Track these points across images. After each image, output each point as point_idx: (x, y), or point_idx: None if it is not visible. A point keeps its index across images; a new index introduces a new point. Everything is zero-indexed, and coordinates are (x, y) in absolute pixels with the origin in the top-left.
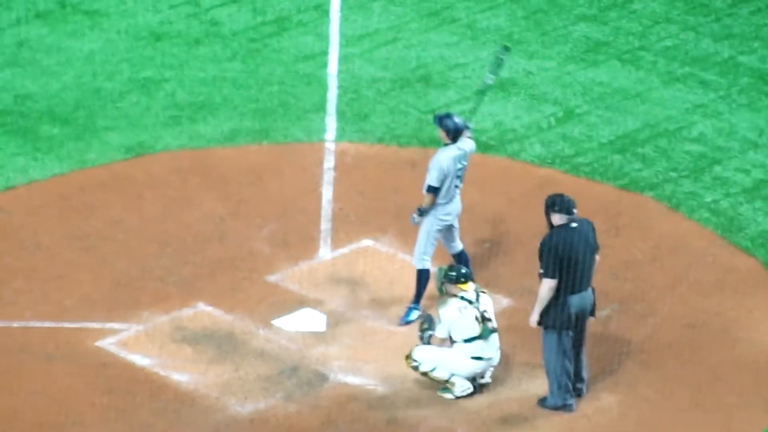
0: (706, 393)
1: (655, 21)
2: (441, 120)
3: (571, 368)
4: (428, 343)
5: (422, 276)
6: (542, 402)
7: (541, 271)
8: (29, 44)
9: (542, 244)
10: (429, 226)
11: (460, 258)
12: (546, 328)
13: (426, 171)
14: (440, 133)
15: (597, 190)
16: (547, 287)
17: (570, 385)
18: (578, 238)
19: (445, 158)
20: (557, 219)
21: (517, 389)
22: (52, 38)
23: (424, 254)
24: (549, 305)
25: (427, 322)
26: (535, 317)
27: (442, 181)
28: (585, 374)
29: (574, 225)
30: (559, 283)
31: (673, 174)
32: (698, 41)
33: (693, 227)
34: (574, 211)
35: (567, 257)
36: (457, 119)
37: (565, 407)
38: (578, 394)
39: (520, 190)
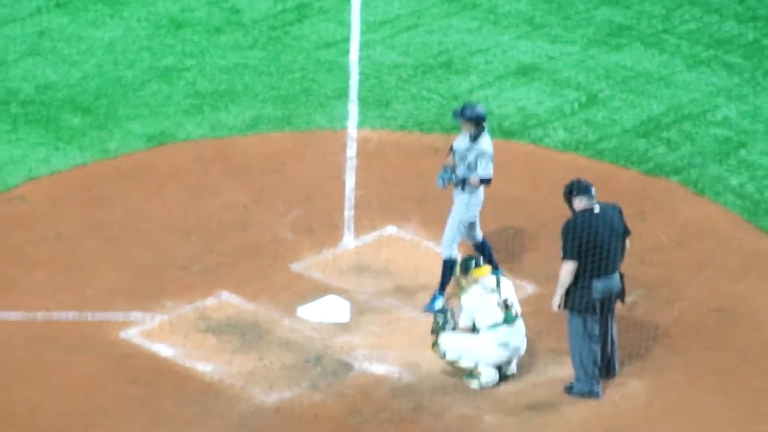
0: (734, 378)
1: (679, 3)
2: (463, 112)
3: (597, 353)
4: (453, 329)
5: (448, 264)
6: (568, 389)
7: (563, 253)
8: (50, 33)
9: (565, 227)
10: (460, 214)
11: (483, 247)
12: (571, 311)
13: (469, 158)
14: (466, 126)
15: (621, 176)
16: (567, 270)
17: (596, 370)
18: (601, 222)
19: (491, 145)
20: (578, 203)
21: (544, 376)
22: (73, 27)
23: (452, 242)
24: (573, 289)
25: (443, 316)
26: (556, 300)
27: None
28: (616, 359)
29: (596, 209)
30: (582, 266)
31: (698, 158)
32: (722, 23)
33: (719, 211)
34: (593, 192)
35: (589, 240)
36: (478, 107)
37: (591, 393)
38: (611, 373)
39: (544, 176)
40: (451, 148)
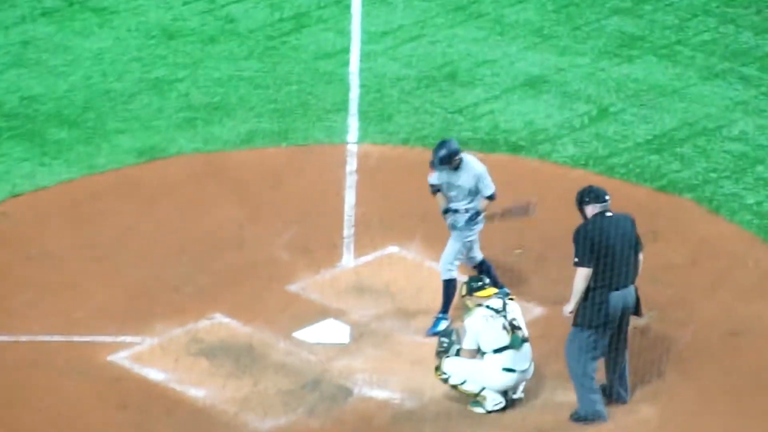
0: (750, 402)
1: (693, 13)
2: (442, 160)
3: (595, 370)
4: (456, 355)
5: (449, 286)
6: (574, 416)
7: (576, 259)
8: (35, 43)
9: (576, 232)
10: (462, 235)
11: (483, 267)
12: (576, 324)
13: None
14: (449, 166)
15: (633, 192)
16: (581, 276)
17: (596, 386)
18: (614, 228)
19: (477, 160)
20: (591, 210)
21: (551, 401)
22: (59, 37)
23: (450, 264)
24: (586, 302)
25: (447, 338)
26: (570, 307)
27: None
28: (628, 380)
29: (609, 214)
30: (597, 277)
31: (713, 175)
32: (738, 34)
33: (734, 230)
34: (607, 198)
35: (603, 246)
36: (448, 145)
37: (598, 416)
38: (622, 401)
39: (553, 193)
40: (433, 187)
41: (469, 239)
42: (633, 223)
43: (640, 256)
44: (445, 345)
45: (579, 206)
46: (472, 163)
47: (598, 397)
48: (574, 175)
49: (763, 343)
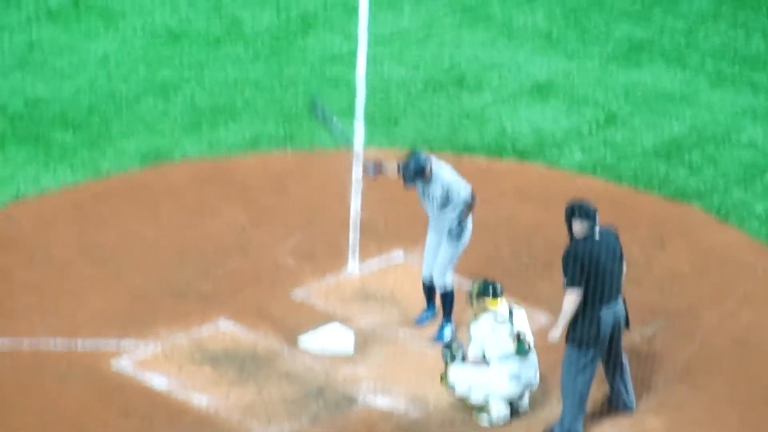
0: (759, 413)
1: (703, 18)
2: (414, 175)
3: (589, 388)
4: (462, 359)
5: (447, 298)
6: None
7: (566, 281)
8: (40, 45)
9: (566, 255)
10: (455, 249)
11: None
12: (571, 343)
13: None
14: (421, 180)
15: (641, 200)
16: (571, 299)
17: (583, 411)
18: (603, 248)
19: (444, 167)
20: (579, 227)
21: (557, 412)
22: (65, 39)
23: (444, 274)
24: (578, 321)
25: (448, 352)
26: (558, 333)
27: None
28: (631, 388)
29: (597, 234)
30: (586, 296)
31: (722, 182)
32: (749, 39)
33: (743, 239)
34: (596, 216)
35: (593, 268)
36: (415, 160)
37: None
38: (628, 409)
39: (560, 200)
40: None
41: (462, 249)
42: (617, 237)
43: (624, 266)
44: (447, 357)
45: (567, 220)
46: (441, 172)
47: (581, 417)
48: (581, 182)
49: None
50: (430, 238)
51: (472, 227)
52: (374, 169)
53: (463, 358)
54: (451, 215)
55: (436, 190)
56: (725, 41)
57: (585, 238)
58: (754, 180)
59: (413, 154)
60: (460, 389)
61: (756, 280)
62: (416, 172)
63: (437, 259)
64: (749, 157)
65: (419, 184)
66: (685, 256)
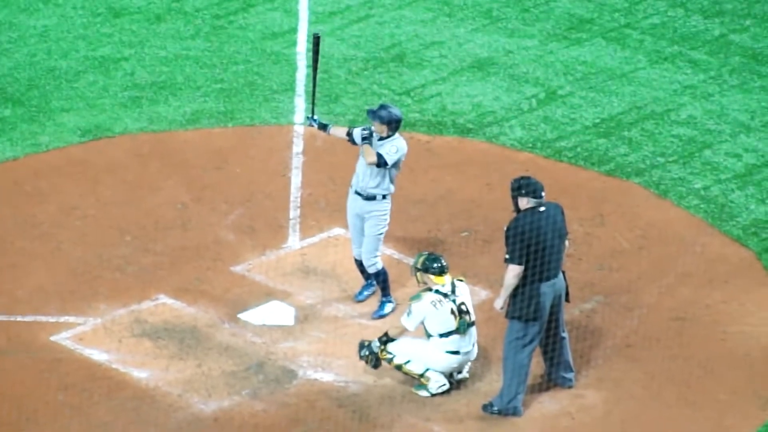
0: (696, 389)
1: None
2: (378, 112)
3: (530, 365)
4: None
5: (380, 276)
6: (489, 408)
7: (507, 256)
8: None
9: (508, 229)
10: (378, 228)
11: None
12: (512, 317)
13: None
14: (378, 128)
15: (581, 176)
16: (512, 274)
17: (525, 380)
18: (546, 223)
19: (404, 144)
20: (524, 203)
21: (496, 385)
22: (4, 14)
23: (374, 254)
24: (516, 294)
25: (366, 349)
26: (500, 301)
27: (395, 165)
28: (572, 363)
29: (541, 209)
30: (527, 270)
31: (661, 159)
32: (687, 18)
33: (682, 215)
34: (542, 194)
35: (534, 243)
36: (394, 109)
37: (510, 410)
38: (567, 384)
39: (500, 176)
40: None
41: (386, 226)
42: (562, 212)
43: (567, 243)
44: (365, 355)
45: (513, 196)
46: (393, 142)
47: (521, 392)
48: (521, 158)
49: (710, 330)
50: (351, 218)
51: (392, 206)
52: (318, 124)
53: (375, 366)
54: (377, 179)
55: (385, 149)
56: (664, 20)
57: (527, 212)
58: (693, 157)
59: (389, 105)
60: (399, 360)
61: (695, 257)
62: (390, 118)
63: (364, 244)
64: (688, 134)
65: (375, 135)
66: (624, 233)
